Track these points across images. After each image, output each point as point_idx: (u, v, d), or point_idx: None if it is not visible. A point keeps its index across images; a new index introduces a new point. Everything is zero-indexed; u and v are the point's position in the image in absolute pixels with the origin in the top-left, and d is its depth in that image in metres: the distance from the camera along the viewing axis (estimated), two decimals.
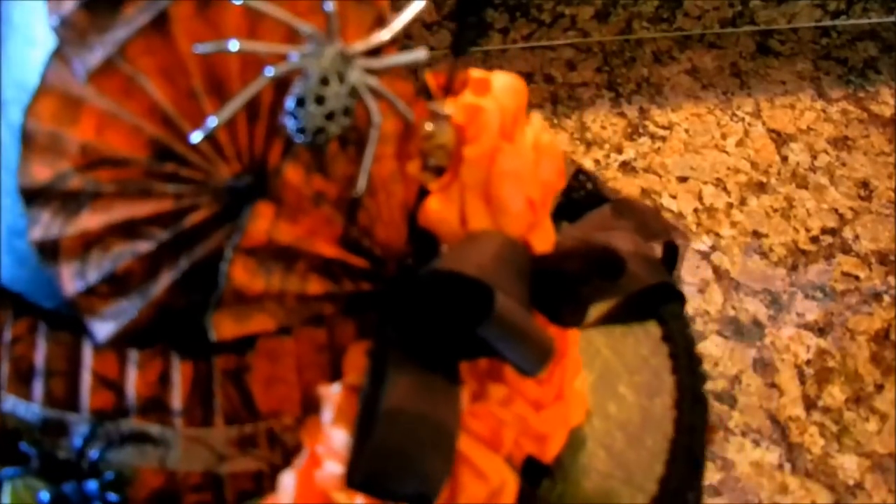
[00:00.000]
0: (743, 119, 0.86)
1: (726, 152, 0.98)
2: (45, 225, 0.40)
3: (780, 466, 0.81)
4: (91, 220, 0.39)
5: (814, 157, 0.81)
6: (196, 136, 0.38)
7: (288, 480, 0.43)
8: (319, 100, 0.39)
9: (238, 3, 0.37)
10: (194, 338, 0.42)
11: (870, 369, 0.82)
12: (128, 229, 0.40)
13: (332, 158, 0.41)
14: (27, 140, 0.39)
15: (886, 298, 0.69)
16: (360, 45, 0.40)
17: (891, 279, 0.70)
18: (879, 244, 0.69)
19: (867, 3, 0.92)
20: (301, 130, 0.39)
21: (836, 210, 0.76)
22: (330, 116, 0.39)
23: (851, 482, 0.79)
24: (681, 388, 0.54)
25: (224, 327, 0.41)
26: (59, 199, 0.39)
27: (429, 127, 0.45)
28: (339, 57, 0.39)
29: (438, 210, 0.45)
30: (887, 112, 0.81)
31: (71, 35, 0.38)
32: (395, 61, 0.41)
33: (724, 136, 0.96)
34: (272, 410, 0.43)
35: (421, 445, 0.38)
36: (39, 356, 0.42)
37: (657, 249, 0.53)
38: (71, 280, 0.40)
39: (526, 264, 0.43)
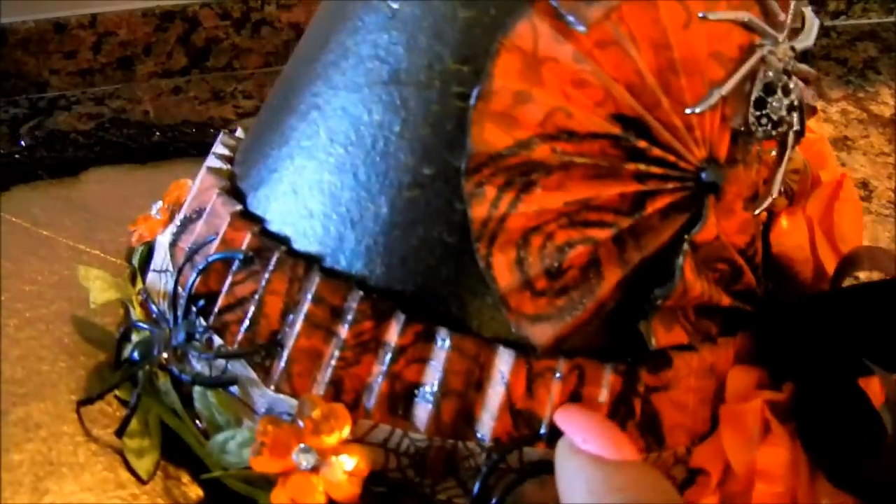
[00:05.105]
0: None
1: None
2: (492, 201, 0.34)
3: None
4: (547, 198, 0.34)
5: None
6: (698, 108, 0.34)
7: None
8: (785, 90, 0.37)
9: None
10: (620, 345, 0.36)
11: None
12: (585, 212, 0.34)
13: (750, 162, 0.39)
14: (484, 98, 0.33)
15: None
16: (798, 44, 0.38)
17: None
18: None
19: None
20: (765, 120, 0.36)
21: None
22: (791, 108, 0.37)
23: None
24: None
25: (660, 334, 0.36)
26: (510, 171, 0.34)
27: None
28: (790, 50, 0.37)
29: (792, 235, 0.43)
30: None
31: None
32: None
33: None
34: (672, 438, 0.38)
35: None
36: (430, 373, 0.35)
37: None
38: (507, 271, 0.34)
39: None
